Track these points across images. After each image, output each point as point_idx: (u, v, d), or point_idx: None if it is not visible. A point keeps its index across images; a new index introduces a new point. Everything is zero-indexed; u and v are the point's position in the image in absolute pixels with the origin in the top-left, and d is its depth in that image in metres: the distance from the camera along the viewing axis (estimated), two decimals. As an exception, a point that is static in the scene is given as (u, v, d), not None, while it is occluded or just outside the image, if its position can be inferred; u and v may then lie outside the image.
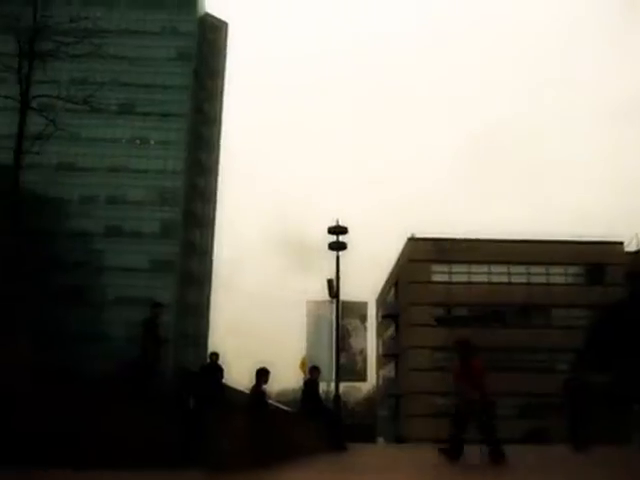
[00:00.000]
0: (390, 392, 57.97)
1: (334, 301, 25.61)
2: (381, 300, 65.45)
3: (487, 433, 9.97)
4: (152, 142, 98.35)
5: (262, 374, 12.37)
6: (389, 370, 60.67)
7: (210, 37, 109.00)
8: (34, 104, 17.18)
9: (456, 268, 50.85)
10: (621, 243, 51.48)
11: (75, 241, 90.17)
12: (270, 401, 13.88)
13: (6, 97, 18.26)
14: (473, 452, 9.61)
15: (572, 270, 52.37)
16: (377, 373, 66.74)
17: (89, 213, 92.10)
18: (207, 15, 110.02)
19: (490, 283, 50.24)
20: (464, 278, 50.84)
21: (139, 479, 6.60)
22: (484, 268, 50.71)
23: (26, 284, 70.69)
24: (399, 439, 44.92)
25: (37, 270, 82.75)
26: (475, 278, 50.77)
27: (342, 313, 27.14)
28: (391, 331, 59.66)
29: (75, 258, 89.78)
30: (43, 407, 7.61)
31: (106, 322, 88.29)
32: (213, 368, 13.88)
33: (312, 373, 16.74)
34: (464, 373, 10.32)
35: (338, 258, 24.41)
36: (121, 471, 6.89)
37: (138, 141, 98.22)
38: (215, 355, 14.05)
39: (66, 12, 19.29)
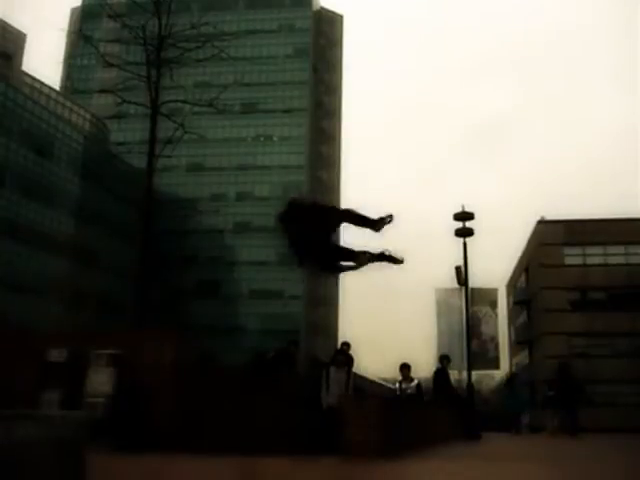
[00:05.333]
0: (525, 380, 56.41)
1: (463, 288, 25.19)
2: (512, 286, 63.66)
3: None
4: (275, 138, 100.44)
5: (402, 368, 13.67)
6: (523, 357, 58.97)
7: (326, 31, 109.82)
8: (163, 109, 17.91)
9: (590, 250, 48.59)
10: None
11: (207, 238, 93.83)
12: (410, 391, 13.91)
13: (137, 104, 19.17)
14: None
15: None
16: (510, 361, 65.07)
17: (219, 210, 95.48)
18: (322, 9, 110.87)
19: (628, 264, 47.64)
20: (599, 260, 48.46)
21: (275, 465, 6.80)
22: (621, 249, 48.11)
23: (165, 280, 74.40)
24: (535, 428, 43.58)
25: (175, 266, 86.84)
26: (611, 260, 48.30)
27: (472, 300, 26.66)
28: (523, 317, 57.92)
29: (208, 254, 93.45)
30: (186, 398, 7.99)
31: (242, 315, 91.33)
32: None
33: (442, 362, 16.57)
34: None
35: (465, 244, 23.99)
36: (257, 457, 7.12)
37: (262, 138, 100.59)
38: (346, 345, 14.10)
39: (187, 19, 20.02)
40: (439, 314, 29.23)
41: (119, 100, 19.38)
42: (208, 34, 19.83)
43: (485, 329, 30.63)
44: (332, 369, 10.72)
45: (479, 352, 28.98)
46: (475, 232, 24.13)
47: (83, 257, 75.89)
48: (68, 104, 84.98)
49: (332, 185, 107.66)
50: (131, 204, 70.78)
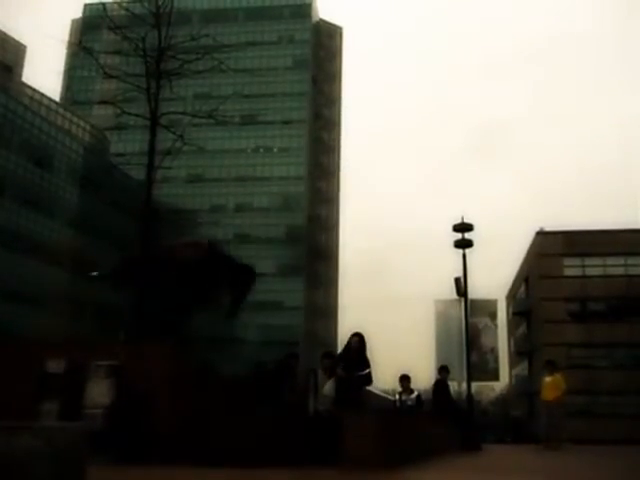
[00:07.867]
0: (524, 391, 56.30)
1: (462, 299, 25.16)
2: (511, 297, 63.69)
3: None
4: (275, 150, 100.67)
5: (402, 379, 13.87)
6: (522, 368, 58.91)
7: (325, 42, 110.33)
8: (163, 121, 17.89)
9: (589, 261, 48.62)
10: None
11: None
12: (410, 403, 13.89)
13: (137, 116, 19.16)
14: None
15: None
16: (510, 372, 64.97)
17: (218, 221, 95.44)
18: (321, 21, 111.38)
19: (628, 275, 47.64)
20: (599, 271, 48.47)
21: (273, 477, 6.78)
22: (620, 260, 48.11)
23: (164, 292, 73.95)
24: (535, 439, 43.48)
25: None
26: (610, 271, 48.29)
27: (471, 311, 26.63)
28: (523, 328, 57.90)
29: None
30: (185, 408, 7.97)
31: (242, 326, 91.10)
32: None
33: (441, 373, 16.53)
34: None
35: (465, 256, 23.97)
36: (256, 469, 7.10)
37: (262, 150, 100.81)
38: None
39: (187, 30, 20.08)
40: (438, 325, 29.20)
41: (119, 111, 19.36)
42: (208, 46, 19.85)
43: (485, 340, 30.62)
44: (320, 374, 10.54)
45: (479, 363, 28.97)
46: (474, 243, 24.14)
47: (82, 267, 75.78)
48: (68, 115, 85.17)
49: (331, 195, 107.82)
50: (130, 215, 70.73)
